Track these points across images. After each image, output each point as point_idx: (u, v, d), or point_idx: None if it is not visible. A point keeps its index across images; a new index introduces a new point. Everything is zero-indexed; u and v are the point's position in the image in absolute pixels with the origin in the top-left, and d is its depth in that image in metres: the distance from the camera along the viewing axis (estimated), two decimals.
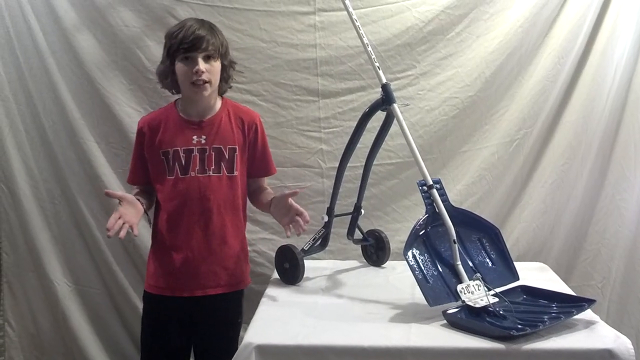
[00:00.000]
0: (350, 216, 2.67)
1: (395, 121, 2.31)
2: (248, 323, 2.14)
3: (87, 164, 2.82)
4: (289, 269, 2.53)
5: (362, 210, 2.65)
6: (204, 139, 2.36)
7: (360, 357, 1.91)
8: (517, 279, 2.22)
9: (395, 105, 2.29)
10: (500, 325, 1.96)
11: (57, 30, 2.77)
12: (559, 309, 2.05)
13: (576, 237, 2.93)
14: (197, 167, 2.34)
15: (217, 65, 2.34)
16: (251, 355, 1.90)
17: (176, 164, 2.33)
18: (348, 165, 2.51)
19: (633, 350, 1.85)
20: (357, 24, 2.35)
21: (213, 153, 2.36)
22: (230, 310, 2.46)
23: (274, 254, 2.63)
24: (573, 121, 2.87)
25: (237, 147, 2.39)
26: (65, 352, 2.98)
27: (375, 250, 2.75)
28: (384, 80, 2.30)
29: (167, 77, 2.37)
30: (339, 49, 2.80)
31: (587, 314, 2.04)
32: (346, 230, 2.69)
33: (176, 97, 2.47)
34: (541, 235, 2.92)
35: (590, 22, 2.80)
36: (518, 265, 2.27)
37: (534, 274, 2.51)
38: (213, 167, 2.36)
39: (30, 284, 2.95)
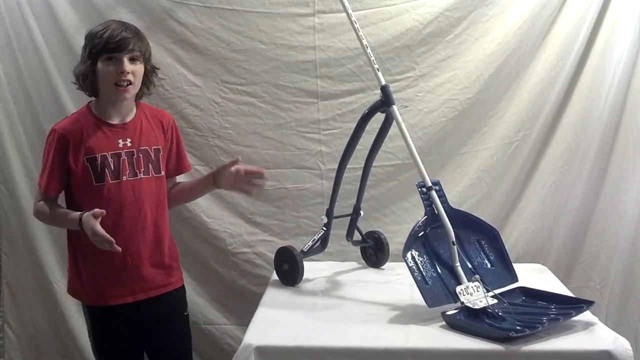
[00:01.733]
0: (349, 218, 2.67)
1: (394, 123, 2.32)
2: (247, 325, 2.15)
3: None
4: (288, 270, 2.53)
5: (362, 212, 2.66)
6: (130, 142, 2.29)
7: (359, 359, 1.92)
8: (516, 280, 2.23)
9: (395, 107, 2.29)
10: (499, 326, 1.96)
11: (56, 32, 2.78)
12: (558, 310, 2.06)
13: (575, 238, 2.93)
14: (128, 171, 2.28)
15: (140, 68, 2.28)
16: (250, 356, 1.91)
17: (105, 170, 2.25)
18: (347, 166, 2.51)
19: (632, 352, 1.86)
20: (356, 25, 2.36)
21: (141, 155, 2.31)
22: (176, 307, 2.45)
23: (273, 256, 2.63)
24: (572, 123, 2.87)
25: (160, 147, 2.37)
26: (65, 353, 2.98)
27: (374, 252, 2.75)
28: (383, 82, 2.31)
29: (87, 77, 2.27)
30: (338, 50, 2.81)
31: (586, 316, 2.05)
32: (345, 232, 2.70)
33: (87, 101, 2.37)
34: (540, 237, 2.92)
35: (589, 24, 2.80)
36: (517, 266, 2.28)
37: (533, 276, 2.51)
38: (143, 169, 2.31)
39: (29, 285, 2.95)
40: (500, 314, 2.02)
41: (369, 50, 2.34)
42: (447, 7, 2.79)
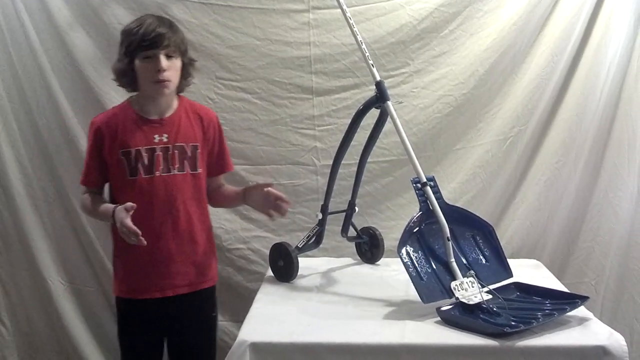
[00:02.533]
0: (344, 214, 2.67)
1: (389, 119, 2.31)
2: (242, 321, 2.14)
3: (80, 162, 2.79)
4: (283, 266, 2.53)
5: (357, 208, 2.66)
6: (166, 138, 2.30)
7: (354, 355, 1.91)
8: (511, 276, 2.23)
9: (389, 103, 2.29)
10: (494, 322, 1.96)
11: (50, 28, 2.76)
12: (553, 305, 2.06)
13: (570, 234, 2.93)
14: (162, 167, 2.29)
15: (178, 63, 2.28)
16: (245, 352, 1.91)
17: (139, 164, 2.27)
18: (342, 162, 2.51)
19: (626, 347, 1.86)
20: (351, 21, 2.35)
21: (176, 151, 2.31)
22: (203, 307, 2.44)
23: (268, 252, 2.63)
24: (567, 119, 2.87)
25: (198, 144, 2.36)
26: (60, 350, 2.97)
27: (369, 248, 2.75)
28: (378, 78, 2.30)
29: (125, 74, 2.28)
30: (333, 46, 2.80)
31: (581, 311, 2.05)
32: (340, 228, 2.69)
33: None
34: (535, 233, 2.92)
35: (584, 20, 2.80)
36: (512, 262, 2.28)
37: (528, 271, 2.51)
38: (177, 165, 2.31)
39: (24, 282, 2.94)
40: (495, 309, 2.01)
41: (363, 46, 2.34)
42: (441, 3, 2.79)
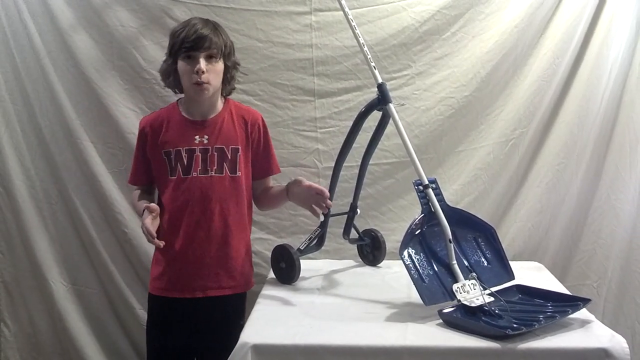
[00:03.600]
0: (346, 216, 2.67)
1: (391, 121, 2.32)
2: (244, 323, 2.15)
3: (83, 164, 2.82)
4: (285, 268, 2.53)
5: (358, 210, 2.66)
6: (207, 139, 2.34)
7: (356, 357, 1.91)
8: (513, 278, 2.23)
9: (391, 105, 2.29)
10: (495, 324, 1.96)
11: (53, 30, 2.77)
12: (555, 308, 2.06)
13: (572, 236, 2.93)
14: (199, 168, 2.32)
15: (219, 65, 2.31)
16: (247, 354, 1.91)
17: (178, 164, 2.31)
18: (344, 164, 2.51)
19: (628, 350, 1.86)
20: (353, 23, 2.36)
21: (215, 153, 2.34)
22: (231, 313, 2.43)
23: (269, 254, 2.63)
24: (568, 121, 2.87)
25: (239, 147, 2.37)
26: (62, 352, 2.97)
27: (371, 250, 2.75)
28: (380, 80, 2.31)
29: (170, 75, 2.35)
30: (335, 48, 2.81)
31: (583, 313, 2.05)
32: (342, 230, 2.70)
33: (178, 96, 2.45)
34: (537, 235, 2.92)
35: (586, 22, 2.80)
36: (514, 264, 2.28)
37: (530, 274, 2.52)
38: (215, 167, 2.33)
39: (26, 284, 2.94)
40: (496, 311, 2.02)
41: (365, 49, 2.34)
42: (443, 5, 2.79)
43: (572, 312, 2.01)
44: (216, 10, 2.76)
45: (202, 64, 2.25)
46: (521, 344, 1.87)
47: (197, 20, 2.34)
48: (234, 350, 1.94)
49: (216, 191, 2.33)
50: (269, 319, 2.14)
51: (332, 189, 2.54)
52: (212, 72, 2.28)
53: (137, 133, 2.45)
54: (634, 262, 2.89)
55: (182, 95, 2.42)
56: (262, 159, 2.47)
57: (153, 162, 2.37)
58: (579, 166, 2.88)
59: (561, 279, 2.61)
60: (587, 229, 2.92)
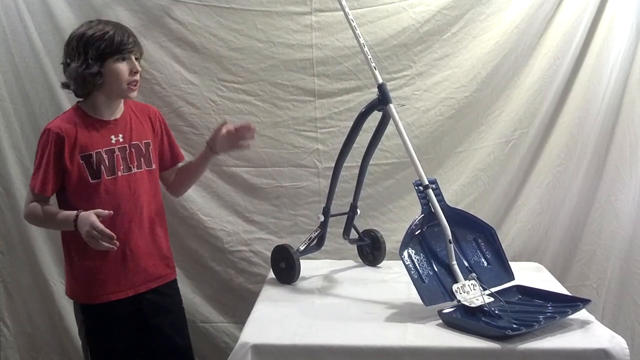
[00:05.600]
0: (346, 216, 2.67)
1: (391, 121, 2.31)
2: (244, 323, 2.15)
3: None
4: (285, 268, 2.53)
5: (358, 210, 2.66)
6: (122, 137, 2.32)
7: (356, 357, 1.91)
8: (513, 279, 2.23)
9: (392, 106, 2.29)
10: (495, 325, 1.96)
11: (53, 30, 2.77)
12: (554, 308, 2.06)
13: (572, 237, 2.93)
14: (122, 166, 2.30)
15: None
16: (247, 354, 1.91)
17: (101, 166, 2.27)
18: (344, 165, 2.51)
19: (628, 350, 1.86)
20: (354, 24, 2.36)
21: (133, 150, 2.34)
22: (174, 299, 2.49)
23: (269, 254, 2.63)
24: (569, 122, 2.87)
25: (150, 140, 2.40)
26: (61, 351, 2.98)
27: (371, 250, 2.75)
28: (380, 81, 2.31)
29: (93, 79, 2.23)
30: (336, 49, 2.81)
31: (583, 314, 2.05)
32: (342, 230, 2.70)
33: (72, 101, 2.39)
34: (537, 236, 2.92)
35: (587, 23, 2.80)
36: (513, 265, 2.28)
37: (530, 274, 2.52)
38: (136, 163, 2.34)
39: (26, 283, 2.94)
40: (496, 312, 2.02)
41: (366, 49, 2.34)
42: (444, 6, 2.79)
43: (572, 313, 2.01)
44: (217, 10, 2.76)
45: (137, 64, 2.28)
46: (521, 345, 1.87)
47: (112, 23, 2.30)
48: (233, 350, 1.94)
49: (141, 186, 2.34)
50: (269, 319, 2.14)
51: (332, 189, 2.55)
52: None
53: (44, 140, 2.25)
54: (634, 263, 2.89)
55: (81, 99, 2.33)
56: (169, 149, 2.49)
57: (70, 168, 2.24)
58: (579, 167, 2.88)
59: (561, 280, 2.61)
60: (587, 230, 2.92)
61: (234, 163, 2.79)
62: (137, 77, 2.29)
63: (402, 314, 2.14)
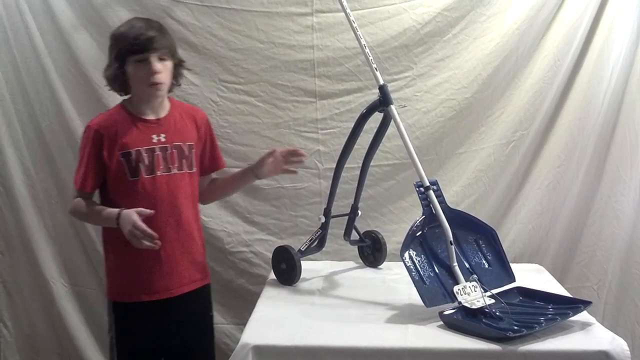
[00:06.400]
0: (347, 217, 2.67)
1: (392, 122, 2.31)
2: (244, 324, 2.14)
3: None
4: (286, 269, 2.53)
5: (359, 212, 2.66)
6: (164, 137, 2.32)
7: (357, 358, 1.91)
8: (513, 280, 2.23)
9: (393, 107, 2.29)
10: (496, 326, 1.96)
11: (54, 30, 2.77)
12: (555, 310, 2.06)
13: (572, 238, 2.93)
14: (162, 166, 2.30)
15: (169, 64, 2.30)
16: (248, 355, 1.91)
17: (140, 165, 2.27)
18: (345, 166, 2.51)
19: (629, 352, 1.86)
20: (355, 25, 2.36)
21: (175, 151, 2.33)
22: (203, 306, 2.47)
23: (270, 255, 2.63)
24: (569, 123, 2.88)
25: (194, 143, 2.39)
26: (61, 352, 2.98)
27: (372, 251, 2.75)
28: (381, 82, 2.31)
29: (117, 79, 2.28)
30: (337, 50, 2.81)
31: (583, 316, 2.05)
32: (343, 231, 2.69)
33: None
34: (537, 237, 2.92)
35: (587, 24, 2.80)
36: (514, 266, 2.28)
37: (530, 276, 2.52)
38: (176, 164, 2.33)
39: (26, 283, 2.94)
40: (497, 313, 2.02)
41: (367, 50, 2.34)
42: (445, 7, 2.79)
43: (573, 315, 2.01)
44: (217, 10, 2.76)
45: (156, 65, 2.24)
46: (522, 346, 1.87)
47: (141, 22, 2.30)
48: (234, 351, 1.94)
49: (180, 188, 2.33)
50: (270, 320, 2.14)
51: (333, 190, 2.55)
52: (164, 71, 2.27)
53: (86, 137, 2.30)
54: (634, 264, 2.89)
55: (127, 97, 2.36)
56: (210, 155, 2.49)
57: (109, 165, 2.27)
58: (579, 168, 2.88)
59: (561, 281, 2.61)
60: (588, 231, 2.93)
61: (234, 164, 2.79)
62: (158, 77, 2.24)
63: (402, 315, 2.14)
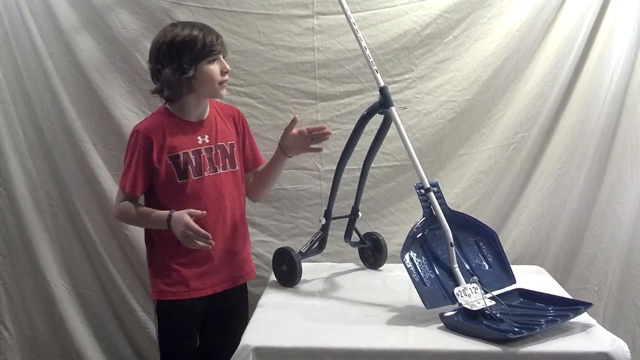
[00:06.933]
0: (347, 219, 2.67)
1: (392, 124, 2.32)
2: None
3: (84, 166, 2.82)
4: (287, 271, 2.53)
5: (360, 213, 2.66)
6: (208, 138, 2.36)
7: None
8: (514, 282, 2.23)
9: (393, 109, 2.30)
10: (497, 328, 1.96)
11: (55, 32, 2.77)
12: (556, 312, 2.06)
13: (573, 240, 2.93)
14: (208, 167, 2.34)
15: None
16: (249, 357, 1.92)
17: (188, 167, 2.31)
18: (346, 168, 2.51)
19: (629, 354, 1.86)
20: (355, 27, 2.36)
21: (219, 151, 2.37)
22: (241, 301, 2.52)
23: (271, 257, 2.63)
24: (570, 125, 2.88)
25: (234, 142, 2.43)
26: (62, 354, 2.97)
27: (372, 253, 2.75)
28: (382, 84, 2.31)
29: (182, 84, 2.27)
30: (337, 52, 2.81)
31: (584, 318, 2.05)
32: (343, 233, 2.70)
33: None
34: (538, 239, 2.92)
35: (588, 26, 2.80)
36: (515, 268, 2.28)
37: (531, 277, 2.51)
38: (221, 164, 2.37)
39: (27, 285, 2.94)
40: (498, 315, 2.02)
41: (367, 52, 2.34)
42: (445, 9, 2.79)
43: (574, 316, 2.01)
44: (218, 13, 2.76)
45: (226, 63, 2.34)
46: (522, 348, 1.87)
47: (201, 24, 2.37)
48: (235, 353, 1.94)
49: (226, 188, 2.38)
50: (270, 322, 2.14)
51: (333, 191, 2.55)
52: None
53: (134, 141, 2.31)
54: (635, 266, 2.89)
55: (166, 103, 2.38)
56: (250, 151, 2.52)
57: (158, 168, 2.30)
58: (580, 170, 2.88)
59: (562, 283, 2.61)
60: (589, 233, 2.93)
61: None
62: (227, 76, 2.34)
63: (403, 316, 2.14)
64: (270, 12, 2.78)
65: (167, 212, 2.26)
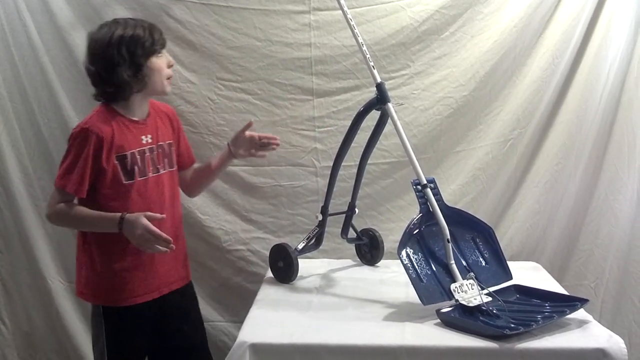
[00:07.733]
0: (344, 215, 2.67)
1: (389, 120, 2.32)
2: (242, 322, 2.15)
3: None
4: (283, 267, 2.53)
5: (356, 210, 2.66)
6: (150, 138, 2.30)
7: (354, 356, 1.92)
8: (511, 278, 2.24)
9: (390, 105, 2.29)
10: (493, 324, 1.97)
11: (52, 28, 2.77)
12: (552, 308, 2.06)
13: (569, 237, 2.93)
14: (151, 167, 2.28)
15: None
16: (245, 353, 1.91)
17: (135, 167, 2.23)
18: (342, 164, 2.51)
19: (626, 350, 1.87)
20: (352, 23, 2.36)
21: (160, 151, 2.32)
22: (193, 299, 2.50)
23: (267, 253, 2.63)
24: (567, 121, 2.88)
25: (172, 141, 2.39)
26: (59, 350, 2.98)
27: (369, 250, 2.75)
28: (379, 80, 2.31)
29: (131, 81, 2.19)
30: (334, 48, 2.80)
31: (580, 314, 2.06)
32: (340, 230, 2.70)
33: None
34: (535, 235, 2.93)
35: (585, 22, 2.80)
36: (511, 264, 2.28)
37: (528, 274, 2.52)
38: (161, 164, 2.32)
39: (24, 282, 2.94)
40: (494, 311, 2.02)
41: (364, 48, 2.34)
42: (442, 5, 2.79)
43: (570, 313, 2.02)
44: (215, 8, 2.76)
45: (169, 57, 2.31)
46: (519, 344, 1.87)
47: (137, 21, 2.27)
48: (231, 349, 1.94)
49: (167, 188, 2.33)
50: (267, 318, 2.14)
51: (330, 188, 2.55)
52: None
53: (83, 140, 2.17)
54: (632, 263, 2.90)
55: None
56: (185, 149, 2.49)
57: (106, 169, 2.18)
58: (577, 166, 2.88)
59: (559, 279, 2.61)
60: (585, 229, 2.93)
61: (232, 162, 2.79)
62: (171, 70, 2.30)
63: (400, 313, 2.14)
64: (266, 7, 2.78)
65: (118, 214, 2.13)
